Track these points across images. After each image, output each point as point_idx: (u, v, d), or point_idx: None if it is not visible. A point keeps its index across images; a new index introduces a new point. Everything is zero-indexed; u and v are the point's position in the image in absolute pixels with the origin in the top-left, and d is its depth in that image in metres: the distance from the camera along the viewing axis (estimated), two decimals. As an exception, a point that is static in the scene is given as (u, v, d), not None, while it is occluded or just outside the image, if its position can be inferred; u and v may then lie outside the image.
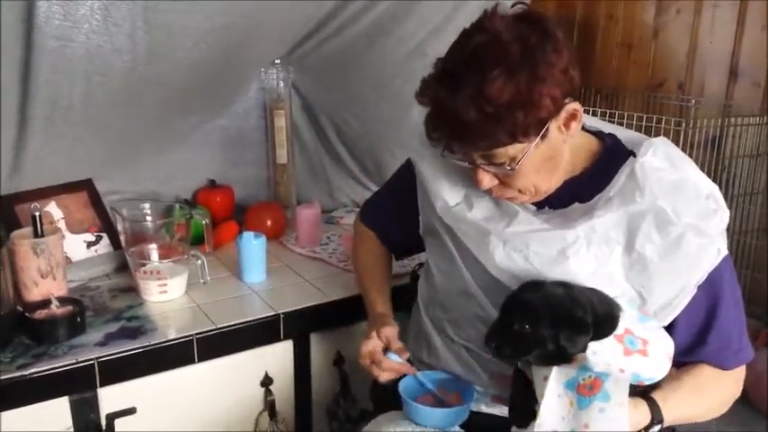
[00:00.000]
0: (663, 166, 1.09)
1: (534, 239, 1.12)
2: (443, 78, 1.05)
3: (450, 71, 1.05)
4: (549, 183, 1.15)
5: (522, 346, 1.03)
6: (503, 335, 1.06)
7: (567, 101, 1.06)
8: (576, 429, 0.98)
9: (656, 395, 1.09)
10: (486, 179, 1.12)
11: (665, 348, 1.05)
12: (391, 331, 1.26)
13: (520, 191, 1.14)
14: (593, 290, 1.06)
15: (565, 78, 1.04)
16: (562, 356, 1.01)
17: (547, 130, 1.06)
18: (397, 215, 1.41)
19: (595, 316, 1.01)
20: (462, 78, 1.02)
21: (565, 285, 1.06)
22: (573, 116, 1.08)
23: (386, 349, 1.25)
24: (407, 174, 1.35)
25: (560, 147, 1.11)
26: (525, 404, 1.05)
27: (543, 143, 1.07)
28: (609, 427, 0.97)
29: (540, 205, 1.18)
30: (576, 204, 1.14)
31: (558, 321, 1.01)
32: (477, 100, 1.00)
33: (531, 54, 1.01)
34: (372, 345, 1.24)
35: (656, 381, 1.05)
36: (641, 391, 1.07)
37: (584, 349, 1.01)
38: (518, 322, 1.04)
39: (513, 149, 1.06)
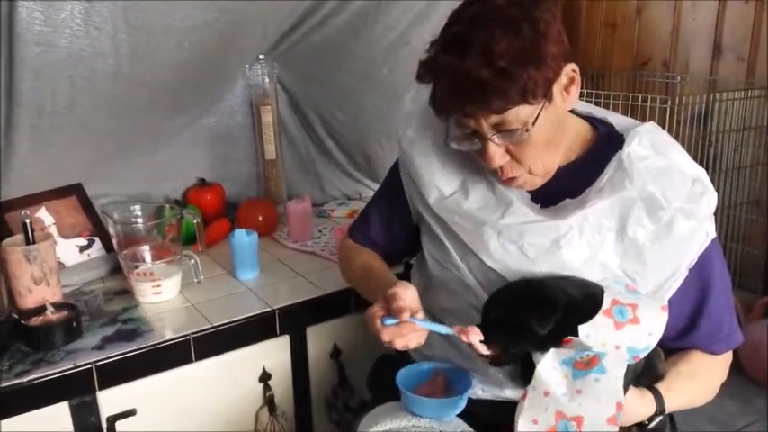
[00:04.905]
0: (648, 154, 1.09)
1: (529, 230, 1.12)
2: (449, 46, 1.05)
3: (454, 38, 1.05)
4: (553, 162, 1.15)
5: (507, 335, 1.05)
6: (488, 330, 1.07)
7: (563, 63, 1.07)
8: (568, 393, 1.00)
9: (660, 386, 1.10)
10: (498, 154, 1.10)
11: (656, 303, 1.05)
12: (390, 293, 1.11)
13: (530, 171, 1.13)
14: (564, 278, 1.08)
15: (560, 38, 1.06)
16: (541, 339, 1.03)
17: (552, 93, 1.06)
18: (388, 221, 1.37)
19: (570, 299, 1.02)
20: (469, 41, 1.03)
21: (533, 280, 1.09)
22: (572, 80, 1.09)
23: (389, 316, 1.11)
24: (394, 178, 1.34)
25: (564, 115, 1.13)
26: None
27: (551, 107, 1.07)
28: (601, 394, 0.98)
29: (534, 198, 1.18)
30: (568, 200, 1.15)
31: (527, 305, 1.03)
32: (488, 57, 1.01)
33: (529, 13, 1.03)
34: (372, 310, 1.12)
35: (651, 348, 1.05)
36: (647, 384, 1.08)
37: (564, 330, 1.02)
38: (494, 311, 1.07)
39: (524, 112, 1.05)
